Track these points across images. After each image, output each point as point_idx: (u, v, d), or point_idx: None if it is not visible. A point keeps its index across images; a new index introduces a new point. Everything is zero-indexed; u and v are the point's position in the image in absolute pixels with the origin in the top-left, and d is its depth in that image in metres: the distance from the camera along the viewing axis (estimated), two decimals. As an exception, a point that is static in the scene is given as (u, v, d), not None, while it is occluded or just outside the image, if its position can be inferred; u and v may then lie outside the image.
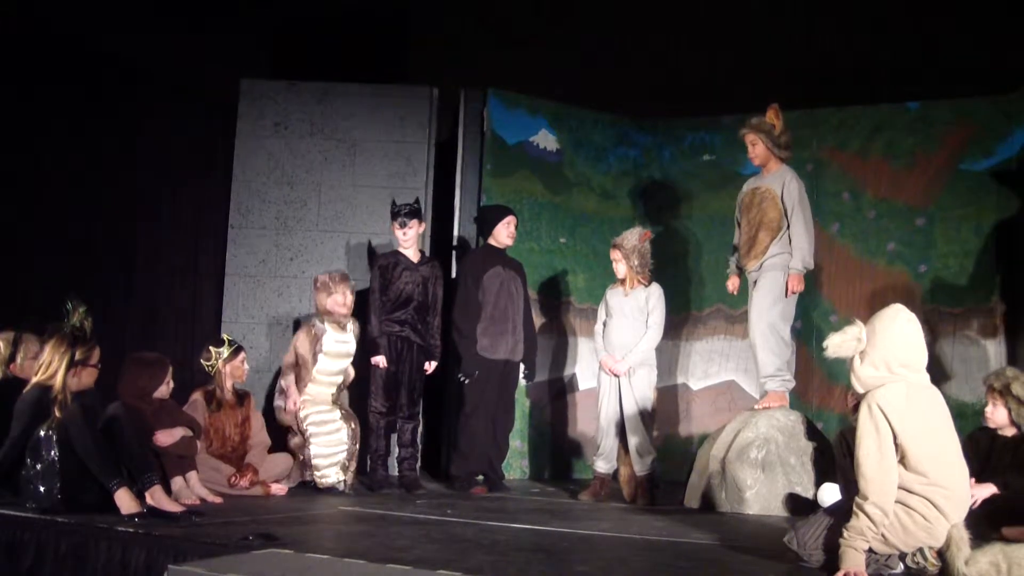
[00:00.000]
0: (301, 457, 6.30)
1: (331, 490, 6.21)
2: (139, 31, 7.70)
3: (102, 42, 7.52)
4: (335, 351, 6.49)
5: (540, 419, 7.87)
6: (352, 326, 6.59)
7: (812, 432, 6.07)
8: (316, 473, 6.24)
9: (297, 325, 7.27)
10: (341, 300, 6.55)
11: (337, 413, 6.38)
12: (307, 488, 6.28)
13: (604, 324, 6.56)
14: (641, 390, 6.35)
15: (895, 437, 3.58)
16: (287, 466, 6.29)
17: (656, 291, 6.46)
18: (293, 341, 6.57)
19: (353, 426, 6.37)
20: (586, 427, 7.72)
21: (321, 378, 6.45)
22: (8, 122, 7.05)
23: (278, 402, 6.52)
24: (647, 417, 6.34)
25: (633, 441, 6.31)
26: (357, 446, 6.37)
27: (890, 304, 3.89)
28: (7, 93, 7.03)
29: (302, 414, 6.32)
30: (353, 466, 6.34)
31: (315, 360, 6.44)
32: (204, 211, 8.11)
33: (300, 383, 6.42)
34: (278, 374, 6.77)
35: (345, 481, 6.27)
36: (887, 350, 3.71)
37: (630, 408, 6.33)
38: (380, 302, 6.58)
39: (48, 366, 4.88)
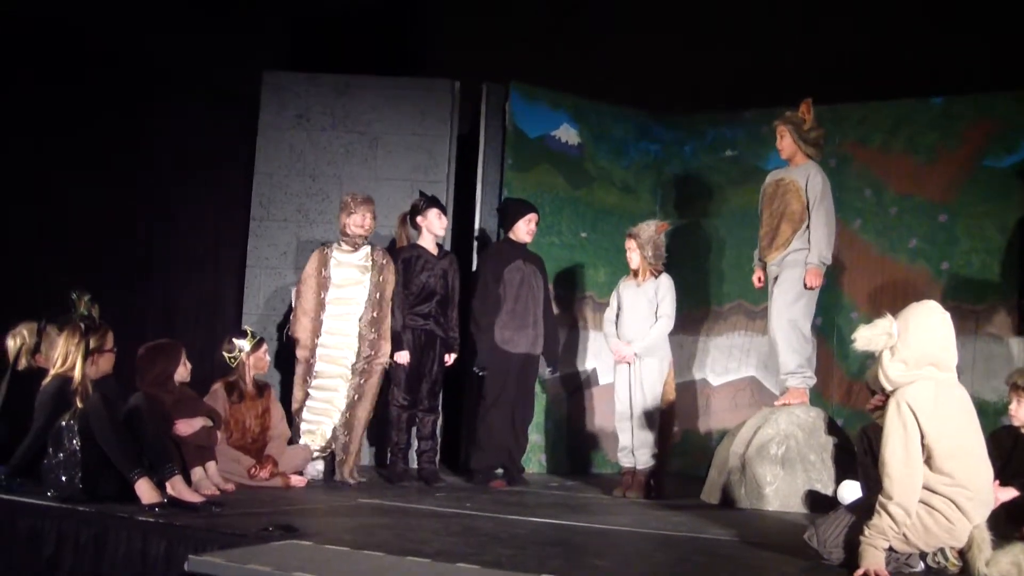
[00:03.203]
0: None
1: (334, 482, 6.28)
2: (157, 22, 7.71)
3: (121, 36, 7.54)
4: (340, 277, 6.43)
5: (559, 414, 7.86)
6: (368, 251, 6.51)
7: (832, 429, 6.05)
8: (300, 435, 6.30)
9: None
10: (359, 220, 6.46)
11: (346, 385, 6.36)
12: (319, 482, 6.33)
13: (617, 315, 6.54)
14: (651, 382, 6.30)
15: (922, 437, 3.55)
16: (306, 458, 6.30)
17: (666, 281, 6.42)
18: None
19: (359, 414, 6.38)
20: (605, 422, 7.70)
21: (332, 309, 6.41)
22: (33, 115, 7.10)
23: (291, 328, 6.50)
24: (656, 410, 6.29)
25: (636, 435, 6.30)
26: (351, 436, 6.32)
27: (912, 301, 3.85)
28: (29, 90, 7.08)
29: (314, 373, 6.36)
30: (348, 458, 6.29)
31: (325, 285, 6.41)
32: (225, 203, 8.10)
33: (308, 307, 6.38)
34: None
35: (328, 457, 6.34)
36: (919, 347, 3.65)
37: (638, 401, 6.30)
38: (403, 296, 6.53)
39: (65, 358, 4.93)
